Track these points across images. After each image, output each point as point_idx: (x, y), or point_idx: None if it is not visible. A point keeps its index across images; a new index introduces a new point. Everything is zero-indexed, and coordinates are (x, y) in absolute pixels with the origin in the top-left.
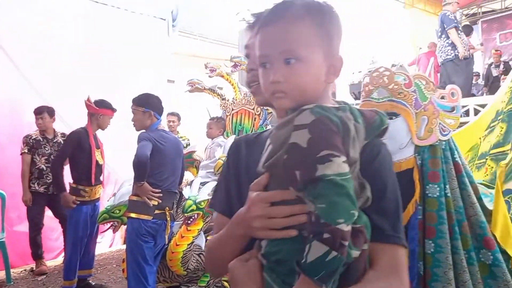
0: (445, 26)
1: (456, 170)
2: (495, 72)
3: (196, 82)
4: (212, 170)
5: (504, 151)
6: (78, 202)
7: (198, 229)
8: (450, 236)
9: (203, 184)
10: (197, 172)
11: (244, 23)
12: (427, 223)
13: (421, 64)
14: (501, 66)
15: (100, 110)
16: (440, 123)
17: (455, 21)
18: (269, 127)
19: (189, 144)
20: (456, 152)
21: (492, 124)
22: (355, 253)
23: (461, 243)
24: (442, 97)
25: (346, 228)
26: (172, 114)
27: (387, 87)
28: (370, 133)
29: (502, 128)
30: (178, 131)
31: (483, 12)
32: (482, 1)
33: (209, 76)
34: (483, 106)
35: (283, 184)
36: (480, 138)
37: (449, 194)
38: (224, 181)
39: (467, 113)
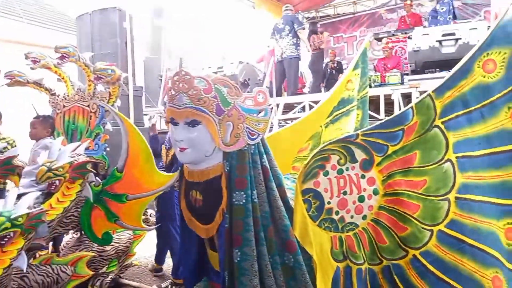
0: (296, 26)
1: (264, 175)
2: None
3: (16, 74)
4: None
5: None
6: None
7: (17, 249)
8: (256, 242)
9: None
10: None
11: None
12: (234, 232)
13: (266, 61)
14: (335, 64)
15: None
16: (247, 128)
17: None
18: (107, 126)
19: (14, 146)
20: (265, 156)
21: (337, 112)
22: None
23: (267, 248)
24: (248, 101)
25: None
26: None
27: (187, 92)
28: None
29: (358, 114)
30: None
31: (321, 17)
32: (319, 6)
33: (31, 68)
34: (317, 102)
35: None
36: (321, 126)
37: (256, 200)
38: None
39: (303, 109)
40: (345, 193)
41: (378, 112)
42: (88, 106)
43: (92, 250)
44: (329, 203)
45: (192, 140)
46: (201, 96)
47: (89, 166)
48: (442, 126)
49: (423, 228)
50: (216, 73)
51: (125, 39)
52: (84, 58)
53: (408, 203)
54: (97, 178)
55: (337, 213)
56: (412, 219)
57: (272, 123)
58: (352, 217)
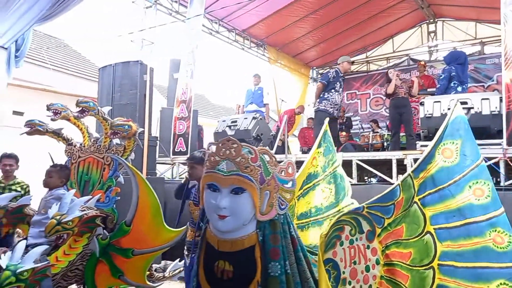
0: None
1: (293, 245)
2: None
3: (36, 123)
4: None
5: (339, 210)
6: None
7: None
8: None
9: (32, 246)
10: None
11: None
12: None
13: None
14: (344, 120)
15: None
16: (279, 197)
17: (327, 78)
18: (119, 179)
19: (28, 192)
20: (292, 226)
21: (305, 186)
22: None
23: None
24: (281, 172)
25: None
26: (9, 156)
27: (234, 160)
28: None
29: (331, 189)
30: (15, 176)
31: None
32: (333, 64)
33: (52, 120)
34: None
35: None
36: (294, 199)
37: (289, 271)
38: None
39: None
40: (355, 262)
41: (390, 175)
42: (102, 158)
43: None
44: (343, 273)
45: (235, 208)
46: (248, 164)
47: (98, 220)
48: (419, 202)
49: None
50: (230, 127)
51: (144, 91)
52: (102, 112)
53: (400, 273)
54: (104, 231)
55: (350, 283)
56: None
57: None
58: (361, 287)
